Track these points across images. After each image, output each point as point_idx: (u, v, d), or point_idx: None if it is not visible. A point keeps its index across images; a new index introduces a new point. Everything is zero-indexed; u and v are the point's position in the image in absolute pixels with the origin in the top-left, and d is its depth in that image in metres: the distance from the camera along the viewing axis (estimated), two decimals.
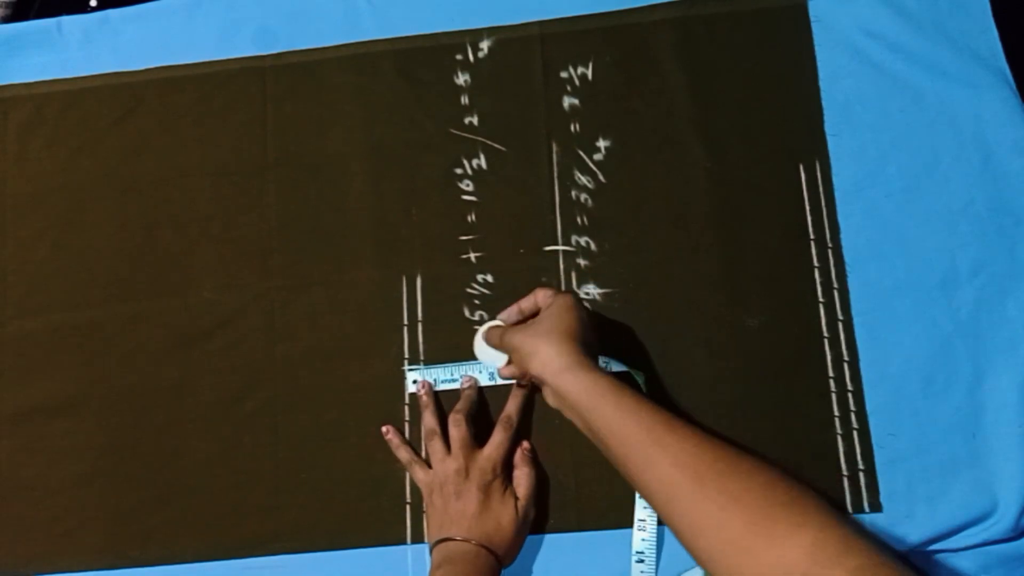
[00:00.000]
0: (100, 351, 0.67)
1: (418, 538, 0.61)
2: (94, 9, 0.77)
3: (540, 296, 0.59)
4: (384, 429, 0.62)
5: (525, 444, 0.61)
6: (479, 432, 0.60)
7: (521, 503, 0.57)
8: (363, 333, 0.65)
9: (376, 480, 0.62)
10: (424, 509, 0.60)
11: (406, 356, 0.64)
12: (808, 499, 0.45)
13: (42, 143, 0.72)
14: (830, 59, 0.66)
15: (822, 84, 0.66)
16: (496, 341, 0.59)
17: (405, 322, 0.65)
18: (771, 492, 0.45)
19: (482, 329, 0.61)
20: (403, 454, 0.61)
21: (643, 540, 0.57)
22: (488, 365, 0.61)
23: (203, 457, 0.64)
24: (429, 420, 0.61)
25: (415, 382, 0.63)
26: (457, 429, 0.59)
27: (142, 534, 0.63)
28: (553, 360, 0.52)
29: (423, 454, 0.62)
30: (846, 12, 0.67)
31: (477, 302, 0.65)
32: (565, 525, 0.60)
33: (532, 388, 0.61)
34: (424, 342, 0.64)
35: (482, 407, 0.62)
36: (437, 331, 0.64)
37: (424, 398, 0.62)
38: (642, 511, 0.57)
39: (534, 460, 0.60)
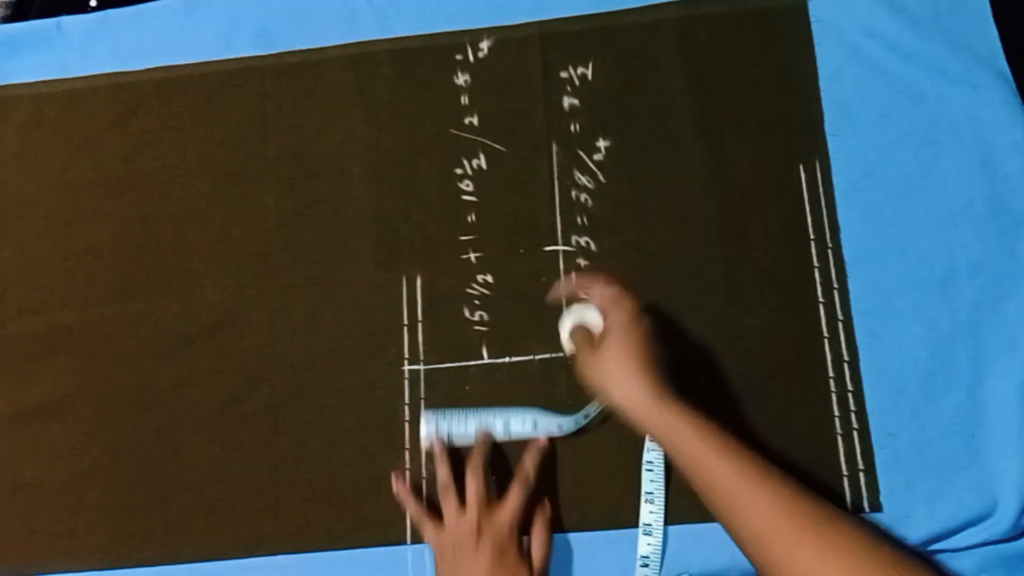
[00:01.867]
0: (100, 351, 0.67)
1: (418, 538, 0.61)
2: (94, 9, 0.77)
3: (598, 295, 0.57)
4: (393, 482, 0.61)
5: (547, 505, 0.59)
6: (495, 476, 0.59)
7: (536, 567, 0.55)
8: (363, 333, 0.65)
9: (376, 480, 0.62)
10: (435, 565, 0.58)
11: (406, 356, 0.64)
12: (915, 565, 0.43)
13: (42, 143, 0.72)
14: (830, 59, 0.66)
15: (822, 84, 0.66)
16: (577, 353, 0.57)
17: (405, 322, 0.65)
18: (875, 549, 0.44)
19: (569, 319, 0.60)
20: (412, 508, 0.60)
21: (648, 545, 0.57)
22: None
23: (203, 457, 0.64)
24: (443, 474, 0.59)
25: (427, 436, 0.60)
26: (475, 480, 0.57)
27: (142, 534, 0.63)
28: (631, 395, 0.52)
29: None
30: (846, 12, 0.67)
31: (477, 302, 0.65)
32: (565, 525, 0.60)
33: (550, 444, 0.60)
34: (424, 342, 0.64)
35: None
36: (437, 331, 0.64)
37: (438, 452, 0.60)
38: (648, 515, 0.57)
39: (552, 522, 0.58)
